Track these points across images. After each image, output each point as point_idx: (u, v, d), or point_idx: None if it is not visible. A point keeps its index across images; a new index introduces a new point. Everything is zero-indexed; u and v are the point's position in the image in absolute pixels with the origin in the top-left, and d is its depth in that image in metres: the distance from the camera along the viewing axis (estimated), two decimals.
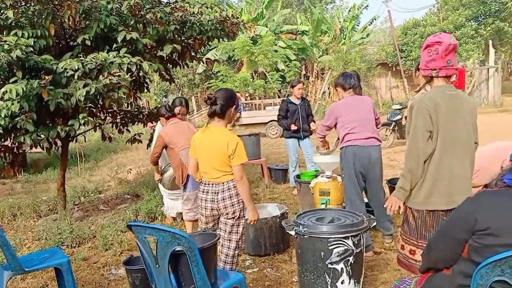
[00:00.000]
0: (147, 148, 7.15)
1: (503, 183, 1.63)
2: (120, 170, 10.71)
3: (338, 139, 4.03)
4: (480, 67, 18.93)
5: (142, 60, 4.78)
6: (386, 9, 22.51)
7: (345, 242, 2.63)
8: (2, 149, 5.41)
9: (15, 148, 5.49)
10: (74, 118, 4.78)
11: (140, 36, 5.07)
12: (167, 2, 5.50)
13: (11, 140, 5.20)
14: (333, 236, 2.61)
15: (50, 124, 5.02)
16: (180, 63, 6.15)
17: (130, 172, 8.59)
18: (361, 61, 21.20)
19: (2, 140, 5.23)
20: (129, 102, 6.09)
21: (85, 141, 6.40)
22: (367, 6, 23.65)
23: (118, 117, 6.48)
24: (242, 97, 17.83)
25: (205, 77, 24.44)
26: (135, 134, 6.60)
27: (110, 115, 6.41)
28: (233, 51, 19.64)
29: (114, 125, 6.51)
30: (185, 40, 5.79)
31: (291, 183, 6.23)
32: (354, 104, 3.92)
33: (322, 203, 4.00)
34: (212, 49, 20.49)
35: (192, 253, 2.20)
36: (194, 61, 6.29)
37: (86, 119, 4.70)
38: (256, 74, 21.07)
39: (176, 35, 5.48)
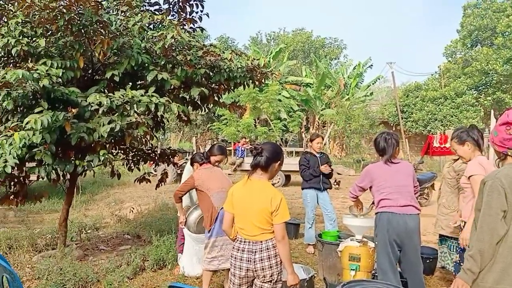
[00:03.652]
0: (156, 189, 6.94)
1: None
2: (117, 206, 10.38)
3: (373, 202, 3.86)
4: None
5: (170, 101, 4.68)
6: (390, 71, 23.04)
7: None
8: (8, 178, 5.15)
9: (22, 178, 5.23)
10: (93, 154, 4.59)
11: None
12: (199, 46, 5.44)
13: (20, 171, 4.95)
14: None
15: (62, 157, 4.80)
16: (202, 106, 6.07)
17: (132, 211, 8.25)
18: (364, 118, 21.47)
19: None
20: (145, 140, 5.95)
21: (84, 175, 6.12)
22: (372, 65, 24.37)
23: (130, 154, 6.32)
24: (248, 142, 17.74)
25: (207, 119, 24.52)
26: (144, 173, 6.43)
27: (122, 151, 6.24)
28: (238, 96, 19.79)
29: (125, 162, 6.33)
30: (211, 85, 5.73)
31: (305, 239, 5.95)
32: (392, 168, 3.77)
33: (351, 269, 3.78)
34: None
35: None
36: (216, 105, 6.21)
37: (106, 156, 4.52)
38: (258, 121, 21.16)
39: (203, 79, 5.42)
